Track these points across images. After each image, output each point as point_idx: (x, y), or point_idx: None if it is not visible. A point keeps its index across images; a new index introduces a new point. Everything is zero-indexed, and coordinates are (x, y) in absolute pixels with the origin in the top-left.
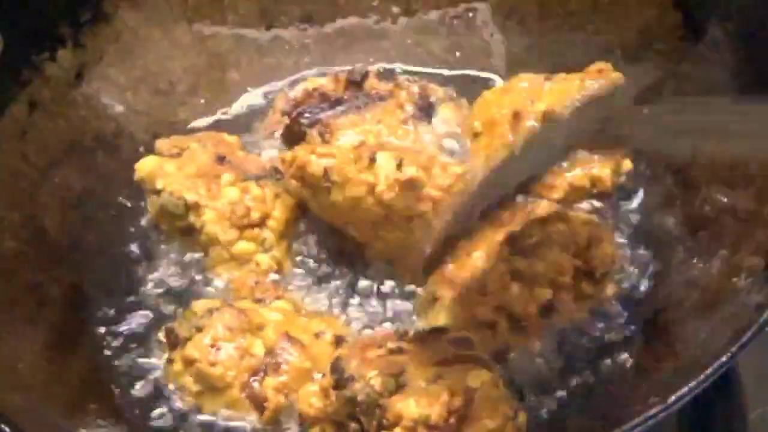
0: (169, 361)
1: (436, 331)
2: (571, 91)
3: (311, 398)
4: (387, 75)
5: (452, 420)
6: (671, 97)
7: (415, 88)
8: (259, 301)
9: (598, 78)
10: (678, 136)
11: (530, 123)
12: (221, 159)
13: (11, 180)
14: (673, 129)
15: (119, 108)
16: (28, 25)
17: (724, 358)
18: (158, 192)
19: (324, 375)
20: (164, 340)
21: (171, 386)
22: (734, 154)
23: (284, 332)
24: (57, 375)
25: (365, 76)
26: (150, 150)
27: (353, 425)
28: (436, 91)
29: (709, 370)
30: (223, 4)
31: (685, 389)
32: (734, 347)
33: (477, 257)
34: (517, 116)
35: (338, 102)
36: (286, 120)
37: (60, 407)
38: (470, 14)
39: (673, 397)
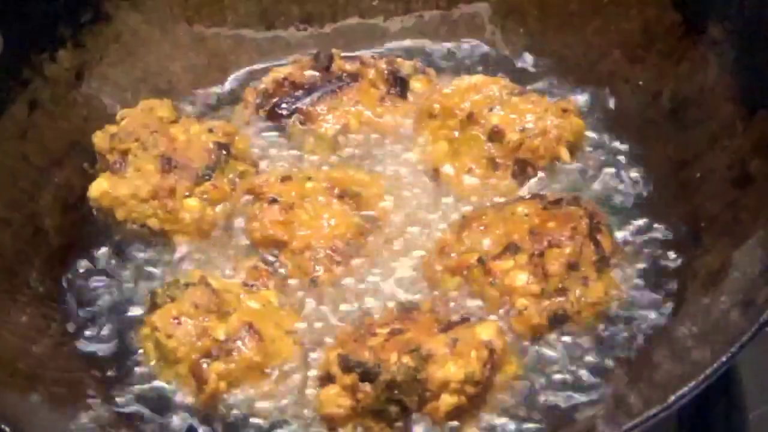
0: (140, 322)
1: (409, 307)
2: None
3: (337, 400)
4: (351, 56)
5: (487, 372)
6: None
7: (383, 64)
8: (247, 285)
9: (560, 116)
10: None
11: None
12: (167, 162)
13: (11, 180)
14: None
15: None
16: (28, 25)
17: (724, 358)
18: (119, 223)
19: (330, 376)
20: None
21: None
22: None
23: (248, 322)
24: (57, 375)
25: (331, 59)
26: None
27: (393, 408)
28: (404, 65)
29: (709, 370)
30: (223, 4)
31: (685, 389)
32: (734, 347)
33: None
34: (470, 117)
35: (312, 88)
36: (261, 113)
37: (60, 407)
38: (470, 14)
39: (673, 397)
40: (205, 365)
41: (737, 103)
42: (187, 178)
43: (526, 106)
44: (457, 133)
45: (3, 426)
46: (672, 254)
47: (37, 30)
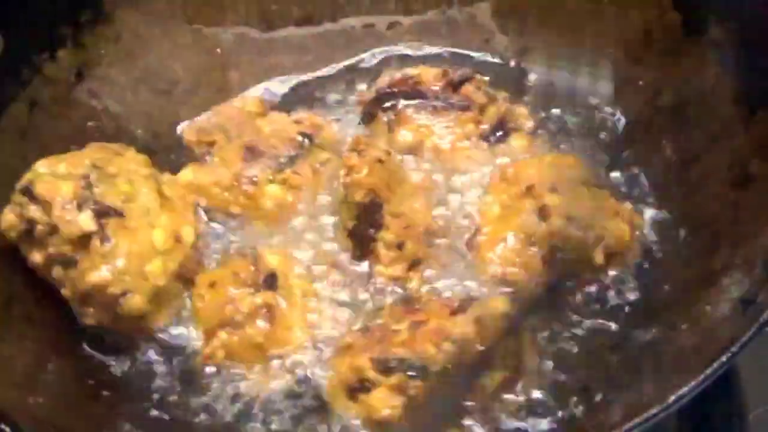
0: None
1: (408, 300)
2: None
3: (388, 402)
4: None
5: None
6: None
7: (503, 107)
8: (309, 270)
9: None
10: None
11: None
12: (249, 152)
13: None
14: None
15: (119, 108)
16: (28, 25)
17: (724, 358)
18: (207, 210)
19: (365, 382)
20: None
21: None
22: None
23: (269, 304)
24: (57, 374)
25: (465, 80)
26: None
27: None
28: (523, 117)
29: (709, 370)
30: (223, 4)
31: (685, 389)
32: (734, 347)
33: None
34: (529, 189)
35: (421, 95)
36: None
37: (60, 406)
38: (470, 14)
39: (673, 397)
40: (217, 331)
41: (737, 103)
42: (270, 165)
43: (588, 200)
44: (511, 202)
45: (3, 426)
46: (669, 254)
47: (37, 30)
